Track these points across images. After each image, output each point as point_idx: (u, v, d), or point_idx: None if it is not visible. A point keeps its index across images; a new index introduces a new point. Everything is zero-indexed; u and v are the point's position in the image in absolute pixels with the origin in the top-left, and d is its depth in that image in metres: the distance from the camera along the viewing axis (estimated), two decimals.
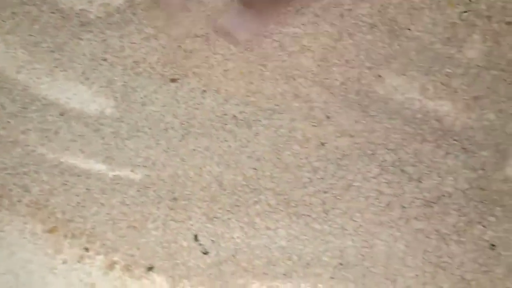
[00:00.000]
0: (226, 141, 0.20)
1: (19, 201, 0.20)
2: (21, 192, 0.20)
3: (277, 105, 0.20)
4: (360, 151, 0.19)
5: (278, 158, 0.19)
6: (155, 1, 0.21)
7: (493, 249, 0.18)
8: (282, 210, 0.19)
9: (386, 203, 0.19)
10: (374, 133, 0.19)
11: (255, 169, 0.19)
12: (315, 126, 0.20)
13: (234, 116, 0.20)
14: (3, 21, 0.21)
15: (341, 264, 0.18)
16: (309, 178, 0.19)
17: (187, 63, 0.21)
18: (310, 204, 0.19)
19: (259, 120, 0.20)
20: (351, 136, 0.19)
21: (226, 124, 0.20)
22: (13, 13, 0.22)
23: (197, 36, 0.21)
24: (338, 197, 0.19)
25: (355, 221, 0.19)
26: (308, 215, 0.19)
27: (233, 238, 0.19)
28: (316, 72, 0.20)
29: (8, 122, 0.21)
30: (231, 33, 0.23)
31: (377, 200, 0.19)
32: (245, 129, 0.20)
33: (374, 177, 0.19)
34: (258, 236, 0.19)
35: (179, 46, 0.21)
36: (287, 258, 0.19)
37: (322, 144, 0.19)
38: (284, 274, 0.19)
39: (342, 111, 0.20)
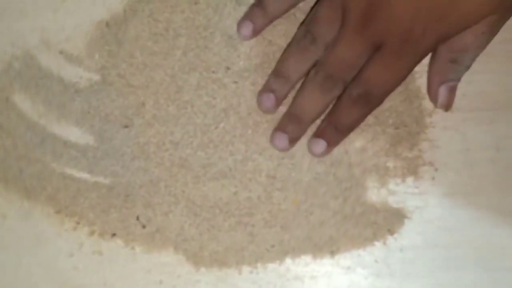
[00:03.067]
0: None
1: (39, 195, 0.34)
2: (39, 190, 0.34)
3: None
4: None
5: None
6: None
7: None
8: None
9: None
10: None
11: None
12: None
13: None
14: (30, 87, 0.36)
15: None
16: None
17: None
18: None
19: None
20: None
21: None
22: (36, 83, 0.34)
23: None
24: None
25: None
26: None
27: None
28: None
29: (34, 148, 0.35)
30: None
31: None
32: None
33: None
34: None
35: None
36: None
37: None
38: None
39: None
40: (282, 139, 0.31)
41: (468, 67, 0.31)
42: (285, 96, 0.32)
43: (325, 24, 0.30)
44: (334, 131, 0.31)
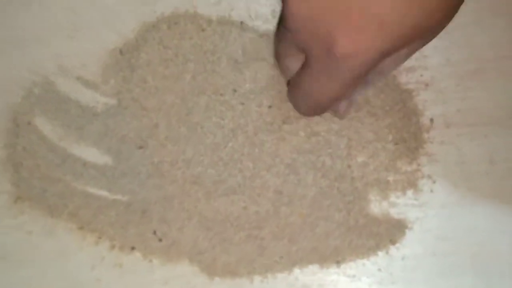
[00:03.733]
0: None
1: (62, 212, 0.37)
2: (61, 208, 0.36)
3: None
4: None
5: None
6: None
7: None
8: None
9: None
10: None
11: None
12: None
13: None
14: (50, 111, 0.38)
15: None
16: None
17: None
18: None
19: None
20: None
21: None
22: (55, 107, 0.38)
23: None
24: None
25: None
26: None
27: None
28: None
29: (55, 168, 0.37)
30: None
31: None
32: None
33: None
34: None
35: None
36: None
37: None
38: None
39: None
40: None
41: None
42: None
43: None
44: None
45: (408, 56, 0.26)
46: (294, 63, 0.29)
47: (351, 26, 0.22)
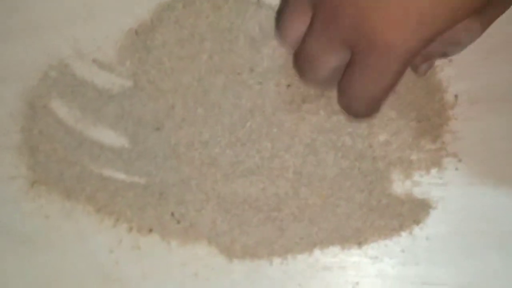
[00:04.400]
0: None
1: (79, 195, 0.37)
2: (79, 191, 0.36)
3: None
4: None
5: None
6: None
7: None
8: None
9: None
10: None
11: None
12: None
13: None
14: (66, 94, 0.38)
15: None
16: None
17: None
18: None
19: None
20: None
21: None
22: (72, 90, 0.38)
23: None
24: None
25: None
26: None
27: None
28: None
29: (72, 151, 0.37)
30: None
31: None
32: None
33: None
34: None
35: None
36: None
37: None
38: None
39: None
40: None
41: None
42: None
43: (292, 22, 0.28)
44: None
45: (483, 23, 0.27)
46: (301, 25, 0.28)
47: (391, 19, 0.23)
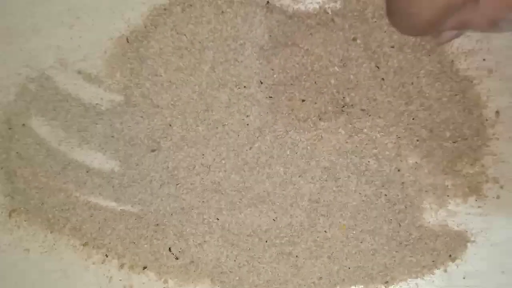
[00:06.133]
0: None
1: (63, 227, 0.32)
2: (62, 222, 0.32)
3: None
4: None
5: None
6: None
7: None
8: None
9: None
10: None
11: None
12: None
13: None
14: (47, 111, 0.34)
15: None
16: None
17: None
18: None
19: None
20: None
21: None
22: (54, 106, 0.34)
23: None
24: None
25: None
26: None
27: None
28: None
29: (55, 176, 0.33)
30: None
31: None
32: None
33: None
34: None
35: None
36: None
37: None
38: None
39: None
40: None
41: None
42: None
43: None
44: None
45: None
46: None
47: None
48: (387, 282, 0.29)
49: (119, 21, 0.33)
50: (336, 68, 0.30)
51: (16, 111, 0.33)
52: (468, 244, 0.29)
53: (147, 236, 0.31)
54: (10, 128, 0.33)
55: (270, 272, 0.30)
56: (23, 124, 0.33)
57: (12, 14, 0.34)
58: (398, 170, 0.30)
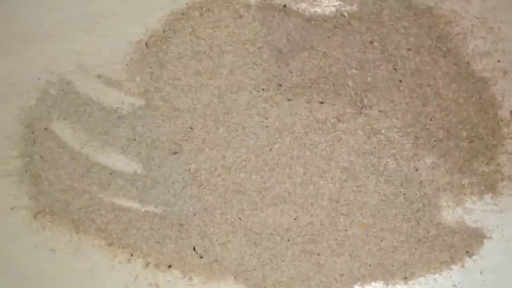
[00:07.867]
0: None
1: (89, 228, 0.33)
2: (88, 222, 0.33)
3: None
4: None
5: None
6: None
7: None
8: None
9: None
10: None
11: None
12: None
13: None
14: (69, 115, 0.35)
15: None
16: None
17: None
18: None
19: None
20: None
21: None
22: (76, 110, 0.35)
23: None
24: None
25: None
26: None
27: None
28: None
29: (79, 179, 0.34)
30: None
31: None
32: None
33: None
34: None
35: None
36: None
37: None
38: None
39: None
40: None
41: None
42: None
43: None
44: None
45: None
46: None
47: None
48: (406, 278, 0.30)
49: (138, 26, 0.34)
50: (353, 70, 0.31)
51: (37, 116, 0.34)
52: (485, 240, 0.31)
53: (171, 236, 0.32)
54: (32, 132, 0.34)
55: (292, 270, 0.31)
56: (45, 128, 0.34)
57: (31, 20, 0.35)
58: (416, 170, 0.31)
